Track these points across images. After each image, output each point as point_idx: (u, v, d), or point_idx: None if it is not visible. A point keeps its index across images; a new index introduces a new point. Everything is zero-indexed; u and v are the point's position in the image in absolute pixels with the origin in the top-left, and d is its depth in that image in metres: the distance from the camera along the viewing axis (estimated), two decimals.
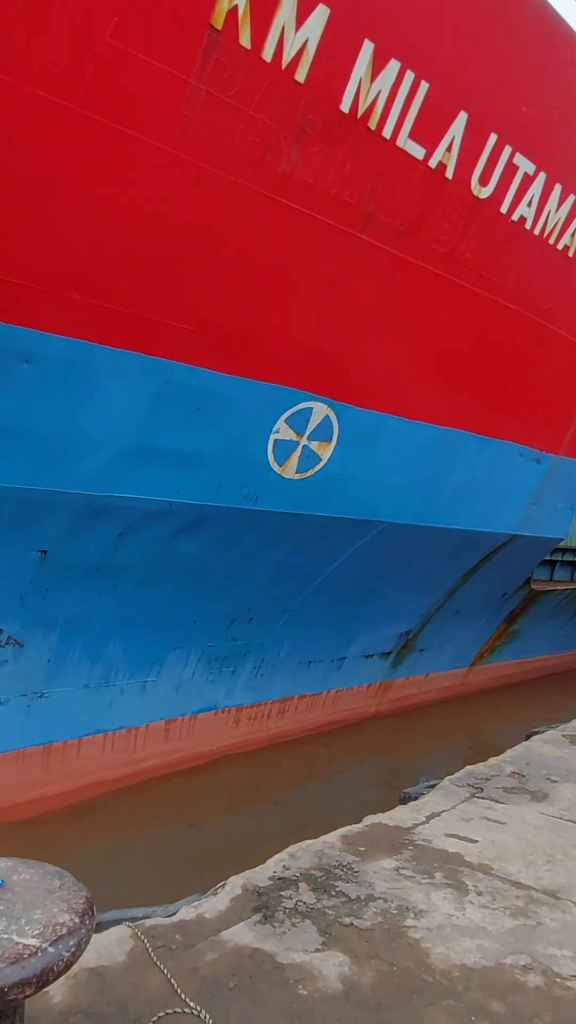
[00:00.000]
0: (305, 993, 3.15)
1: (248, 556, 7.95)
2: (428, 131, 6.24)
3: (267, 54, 5.18)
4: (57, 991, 3.05)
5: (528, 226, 7.47)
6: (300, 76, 5.39)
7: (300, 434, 7.24)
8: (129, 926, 3.60)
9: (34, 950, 2.11)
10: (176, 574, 7.61)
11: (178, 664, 8.47)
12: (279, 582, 8.62)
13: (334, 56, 5.46)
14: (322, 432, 7.39)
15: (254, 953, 3.41)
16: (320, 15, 5.26)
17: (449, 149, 6.44)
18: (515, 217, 7.29)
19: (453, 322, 7.67)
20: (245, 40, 5.04)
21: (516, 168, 6.97)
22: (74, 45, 4.55)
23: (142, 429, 6.30)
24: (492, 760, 6.78)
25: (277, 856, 4.46)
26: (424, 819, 5.20)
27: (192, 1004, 3.04)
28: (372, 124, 5.91)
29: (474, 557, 10.59)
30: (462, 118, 6.33)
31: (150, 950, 3.38)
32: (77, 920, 2.28)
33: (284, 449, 7.20)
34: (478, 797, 5.73)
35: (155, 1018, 2.95)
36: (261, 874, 4.21)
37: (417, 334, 7.53)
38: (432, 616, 11.41)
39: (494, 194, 6.97)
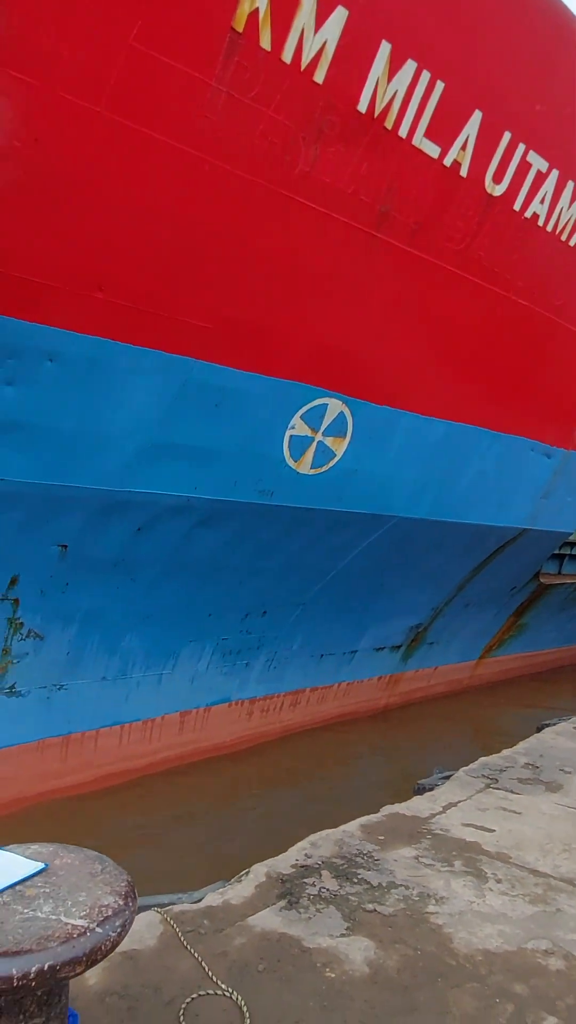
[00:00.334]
0: (333, 976, 3.25)
1: (263, 550, 8.04)
2: (443, 130, 6.28)
3: (287, 56, 5.23)
4: (92, 973, 3.14)
5: (541, 223, 7.50)
6: (319, 77, 5.44)
7: (315, 430, 7.31)
8: (158, 912, 3.70)
9: (83, 930, 2.20)
10: (192, 568, 7.70)
11: (193, 657, 8.57)
12: (293, 576, 8.71)
13: (352, 57, 5.51)
14: (337, 428, 7.46)
15: (281, 938, 3.51)
16: (339, 17, 5.31)
17: (464, 147, 6.49)
18: (528, 214, 7.32)
19: (466, 319, 7.72)
20: (265, 42, 5.09)
21: (529, 165, 7.01)
22: (99, 49, 4.62)
23: (161, 425, 6.38)
24: (506, 752, 6.87)
25: (299, 844, 4.56)
26: (441, 809, 5.30)
27: (224, 986, 3.14)
28: (388, 124, 5.96)
29: (485, 551, 10.67)
30: (476, 116, 6.38)
31: (180, 935, 3.48)
32: (121, 902, 2.37)
33: (299, 445, 7.28)
34: (493, 788, 5.82)
35: (188, 999, 3.05)
36: (284, 862, 4.31)
37: (430, 331, 7.59)
38: (442, 609, 11.49)
39: (507, 191, 7.01)
